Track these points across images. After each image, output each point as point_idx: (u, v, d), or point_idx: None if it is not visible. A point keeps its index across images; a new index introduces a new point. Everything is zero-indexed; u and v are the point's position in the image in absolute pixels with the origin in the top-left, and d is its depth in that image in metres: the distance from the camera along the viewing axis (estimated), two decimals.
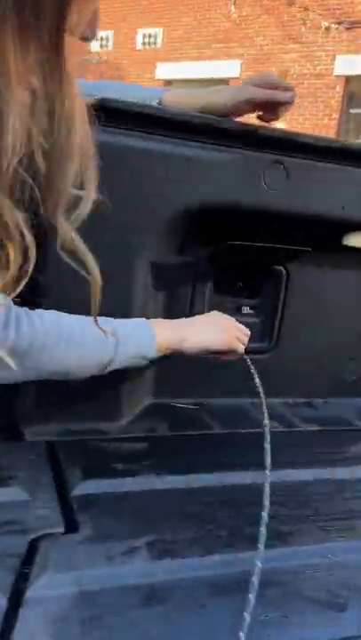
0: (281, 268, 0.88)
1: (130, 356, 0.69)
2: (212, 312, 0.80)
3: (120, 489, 0.60)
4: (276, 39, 9.52)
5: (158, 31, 10.68)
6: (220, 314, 0.80)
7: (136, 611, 0.43)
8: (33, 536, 0.51)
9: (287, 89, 0.75)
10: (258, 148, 0.76)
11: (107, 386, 0.77)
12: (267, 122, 0.78)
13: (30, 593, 0.43)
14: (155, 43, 10.79)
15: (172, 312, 0.82)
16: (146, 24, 10.78)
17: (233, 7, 9.35)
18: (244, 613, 0.40)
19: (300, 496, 0.64)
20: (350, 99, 9.34)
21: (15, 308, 0.60)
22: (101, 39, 11.40)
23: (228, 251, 0.80)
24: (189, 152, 0.72)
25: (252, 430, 0.79)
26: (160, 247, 0.76)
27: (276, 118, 0.77)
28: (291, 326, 0.91)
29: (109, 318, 0.67)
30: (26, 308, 0.62)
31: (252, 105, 0.75)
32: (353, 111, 9.39)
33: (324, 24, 9.02)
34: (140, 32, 10.89)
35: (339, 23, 8.95)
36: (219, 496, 0.61)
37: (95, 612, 0.43)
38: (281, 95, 0.75)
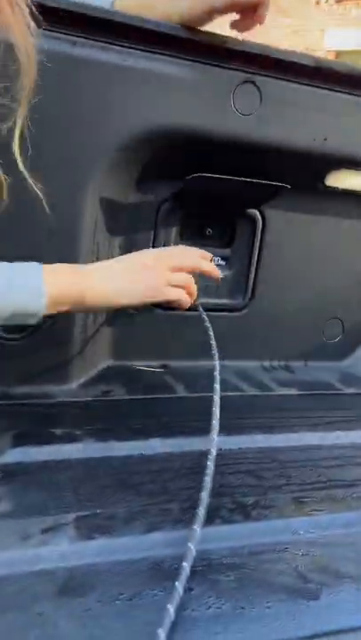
0: (256, 211, 0.78)
1: (8, 313, 0.51)
2: (148, 250, 0.65)
3: (55, 457, 0.50)
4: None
5: None
6: (153, 251, 0.65)
7: (46, 603, 0.33)
8: None
9: None
10: (227, 64, 0.65)
11: (54, 345, 0.67)
12: (242, 31, 0.65)
13: None
14: None
15: (132, 243, 0.72)
16: None
17: None
18: (168, 606, 0.31)
19: (273, 462, 0.55)
20: None
21: None
22: None
23: (195, 188, 0.69)
24: (146, 65, 0.61)
25: (223, 394, 0.69)
26: (113, 181, 0.65)
27: (252, 25, 0.64)
28: (267, 280, 0.81)
29: None
30: None
31: (215, 13, 0.62)
32: None
33: None
34: None
35: None
36: (171, 464, 0.51)
37: None
38: None
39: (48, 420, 0.59)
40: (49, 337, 0.66)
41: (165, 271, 0.61)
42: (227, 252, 0.80)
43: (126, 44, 0.60)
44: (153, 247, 0.74)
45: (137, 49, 0.61)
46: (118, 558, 0.38)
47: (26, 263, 0.53)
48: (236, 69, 0.65)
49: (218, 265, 0.79)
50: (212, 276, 0.65)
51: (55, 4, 0.56)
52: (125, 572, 0.37)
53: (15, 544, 0.38)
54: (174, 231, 0.75)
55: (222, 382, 0.60)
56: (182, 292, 0.62)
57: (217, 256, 0.80)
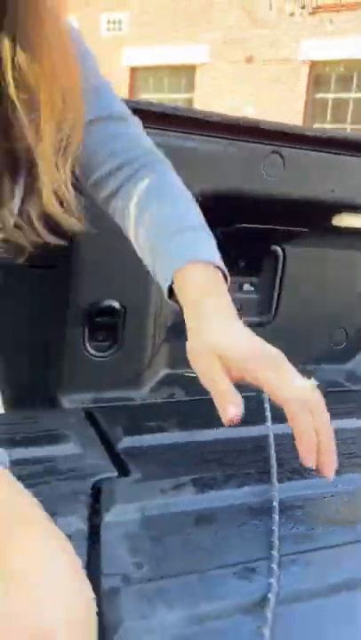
0: (278, 248, 0.98)
1: None
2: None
3: (156, 442, 0.69)
4: (243, 24, 9.57)
5: (123, 16, 10.59)
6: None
7: (190, 529, 0.53)
8: (94, 479, 0.60)
9: None
10: (259, 140, 0.85)
11: (131, 361, 0.86)
12: None
13: (106, 519, 0.52)
14: (120, 28, 10.70)
15: None
16: (110, 9, 10.67)
17: None
18: (273, 528, 0.50)
19: None
20: (316, 83, 9.49)
21: None
22: None
23: (232, 233, 0.89)
24: (198, 145, 0.81)
25: (252, 394, 0.89)
26: None
27: None
28: (287, 301, 1.01)
29: None
30: None
31: None
32: (319, 95, 9.55)
33: (288, 9, 9.11)
34: (104, 17, 10.78)
35: (302, 7, 9.06)
36: (237, 446, 0.71)
37: (158, 532, 0.52)
38: None
39: (139, 416, 0.78)
40: (127, 354, 0.85)
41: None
42: (255, 279, 1.00)
43: (187, 131, 0.80)
44: None
45: (195, 134, 0.81)
46: (225, 504, 0.57)
47: None
48: (266, 144, 0.85)
49: (248, 290, 0.99)
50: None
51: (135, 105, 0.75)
52: (231, 511, 0.56)
53: (158, 495, 0.57)
54: None
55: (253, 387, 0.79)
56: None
57: (247, 283, 1.00)
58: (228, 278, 0.61)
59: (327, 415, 0.55)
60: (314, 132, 0.88)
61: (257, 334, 0.99)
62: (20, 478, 0.48)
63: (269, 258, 0.99)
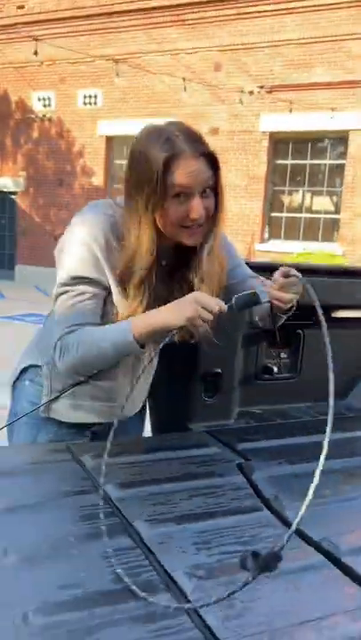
0: (301, 331, 1.62)
1: (116, 342, 1.09)
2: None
3: (253, 445, 1.29)
4: (206, 100, 10.64)
5: (98, 92, 11.55)
6: (190, 295, 1.05)
7: None
8: (237, 461, 1.19)
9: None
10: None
11: (225, 402, 1.47)
12: None
13: None
14: (95, 102, 11.64)
15: (249, 353, 1.53)
16: (85, 85, 11.63)
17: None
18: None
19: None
20: (275, 151, 10.55)
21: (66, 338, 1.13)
22: (44, 99, 12.12)
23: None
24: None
25: (295, 420, 1.51)
26: (248, 327, 1.48)
27: None
28: (308, 363, 1.64)
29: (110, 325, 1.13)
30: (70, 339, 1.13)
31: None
32: (278, 161, 10.60)
33: (248, 88, 10.24)
34: (81, 92, 11.73)
35: (261, 87, 10.20)
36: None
37: None
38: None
39: (241, 435, 1.37)
40: (224, 398, 1.45)
41: (194, 303, 1.02)
42: (287, 350, 1.63)
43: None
44: (257, 350, 1.56)
45: None
46: None
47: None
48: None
49: (284, 357, 1.62)
50: (220, 311, 1.04)
51: None
52: None
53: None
54: (264, 342, 1.58)
55: (294, 415, 1.40)
56: (196, 315, 1.01)
57: (283, 353, 1.63)
58: None
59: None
60: (326, 266, 1.54)
61: (289, 384, 1.61)
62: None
63: (295, 336, 1.63)
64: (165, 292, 1.18)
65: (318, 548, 0.88)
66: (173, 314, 1.06)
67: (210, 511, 0.96)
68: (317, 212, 10.49)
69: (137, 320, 1.11)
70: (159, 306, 1.11)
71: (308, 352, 1.64)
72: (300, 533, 0.91)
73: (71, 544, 0.86)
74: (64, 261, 1.17)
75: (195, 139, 1.10)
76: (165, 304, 1.10)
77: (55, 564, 0.80)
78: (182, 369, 1.43)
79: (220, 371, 1.44)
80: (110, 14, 10.99)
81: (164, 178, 1.07)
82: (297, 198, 10.64)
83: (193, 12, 10.38)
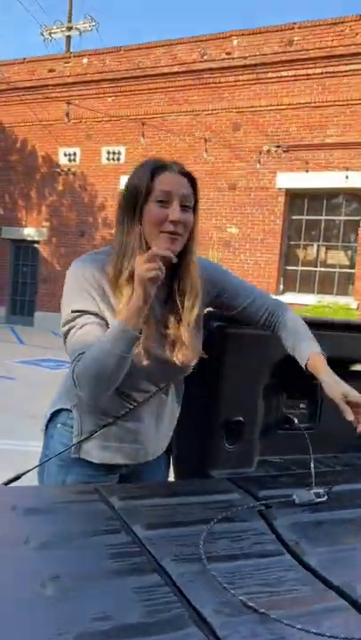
0: (316, 382, 1.68)
1: (114, 338, 1.18)
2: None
3: (283, 493, 1.33)
4: (224, 158, 11.05)
5: (122, 149, 12.06)
6: (136, 261, 1.19)
7: None
8: (258, 508, 1.23)
9: None
10: (311, 328, 1.57)
11: (247, 451, 1.52)
12: None
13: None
14: (118, 159, 12.13)
15: (269, 403, 1.59)
16: (109, 143, 12.17)
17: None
18: None
19: None
20: (291, 207, 10.83)
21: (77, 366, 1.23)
22: (70, 154, 12.68)
23: (294, 376, 1.59)
24: None
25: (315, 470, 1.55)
26: (268, 377, 1.54)
27: None
28: (326, 415, 1.69)
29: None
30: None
31: None
32: (294, 217, 10.86)
33: (265, 147, 10.65)
34: (105, 149, 12.26)
35: (278, 146, 10.60)
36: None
37: None
38: None
39: (265, 481, 1.41)
40: (245, 446, 1.50)
41: (140, 265, 1.16)
42: (305, 401, 1.69)
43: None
44: (278, 400, 1.61)
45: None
46: None
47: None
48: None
49: (303, 408, 1.67)
50: (164, 255, 1.19)
51: None
52: None
53: None
54: (284, 394, 1.64)
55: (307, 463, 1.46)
56: (146, 273, 1.15)
57: (302, 404, 1.68)
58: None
59: None
60: (341, 320, 1.61)
61: (310, 435, 1.65)
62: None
63: (313, 387, 1.68)
64: (161, 308, 1.34)
65: (339, 592, 0.91)
66: (137, 289, 1.19)
67: (233, 554, 1.00)
68: (332, 265, 10.64)
69: (120, 314, 1.24)
70: (157, 321, 1.32)
71: (326, 403, 1.69)
72: (321, 578, 0.95)
73: (103, 579, 0.91)
74: (64, 301, 1.30)
75: (179, 164, 1.32)
76: (162, 319, 1.32)
77: (89, 598, 0.85)
78: (204, 416, 1.49)
79: (242, 419, 1.49)
80: (136, 78, 11.62)
81: (150, 184, 1.26)
82: (312, 252, 10.83)
83: (213, 77, 10.95)
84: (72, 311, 1.27)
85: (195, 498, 1.27)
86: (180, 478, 1.51)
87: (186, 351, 1.31)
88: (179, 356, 1.30)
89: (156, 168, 1.27)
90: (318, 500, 1.24)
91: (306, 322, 1.46)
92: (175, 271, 1.33)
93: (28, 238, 13.19)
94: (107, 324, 1.27)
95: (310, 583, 0.95)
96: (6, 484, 1.28)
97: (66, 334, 1.28)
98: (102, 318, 1.28)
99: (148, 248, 1.25)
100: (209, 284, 1.40)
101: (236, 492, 1.32)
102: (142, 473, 1.42)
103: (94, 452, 1.36)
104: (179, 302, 1.33)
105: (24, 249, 13.36)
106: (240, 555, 1.00)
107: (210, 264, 1.46)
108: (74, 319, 1.27)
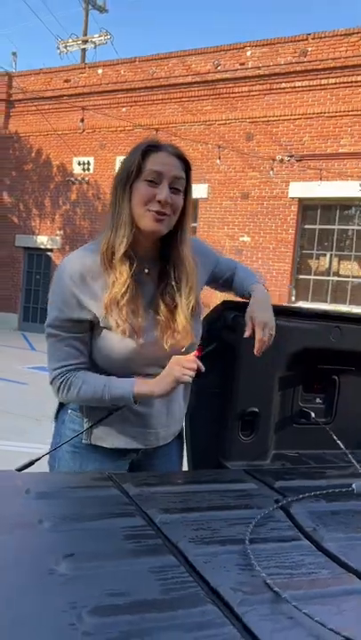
0: (336, 377, 1.66)
1: (115, 397, 1.26)
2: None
3: (298, 484, 1.30)
4: (237, 167, 11.08)
5: None
6: (173, 360, 1.25)
7: None
8: (275, 497, 1.21)
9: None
10: (327, 321, 1.55)
11: (263, 443, 1.50)
12: None
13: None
14: None
15: (285, 396, 1.56)
16: (123, 152, 12.25)
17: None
18: None
19: None
20: (304, 216, 10.81)
21: (67, 376, 1.29)
22: (84, 163, 12.78)
23: (314, 370, 1.57)
24: (295, 324, 1.51)
25: (331, 465, 1.52)
26: (284, 369, 1.52)
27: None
28: (342, 408, 1.66)
29: (119, 380, 1.28)
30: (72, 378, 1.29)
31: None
32: (306, 226, 10.84)
33: (278, 157, 10.66)
34: (119, 158, 12.34)
35: (291, 156, 10.61)
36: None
37: None
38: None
39: (280, 473, 1.39)
40: (261, 438, 1.48)
41: (176, 365, 1.23)
42: (323, 396, 1.66)
43: (294, 318, 1.50)
44: (294, 394, 1.59)
45: (297, 319, 1.50)
46: None
47: (132, 379, 1.29)
48: (332, 322, 1.55)
49: (319, 402, 1.65)
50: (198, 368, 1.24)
51: None
52: None
53: None
54: (301, 387, 1.61)
55: (326, 455, 1.42)
56: (181, 375, 1.22)
57: (319, 399, 1.65)
58: (265, 283, 1.47)
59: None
60: (355, 314, 1.59)
61: (322, 429, 1.62)
62: None
63: (331, 382, 1.66)
64: (153, 293, 1.33)
65: (359, 575, 0.89)
66: (166, 380, 1.25)
67: (251, 537, 0.98)
68: (345, 275, 10.59)
69: (140, 387, 1.27)
70: (148, 304, 1.31)
71: (342, 398, 1.67)
72: (342, 564, 0.93)
73: (117, 559, 0.89)
74: (49, 304, 1.32)
75: (174, 147, 1.31)
76: (153, 303, 1.31)
77: (102, 576, 0.83)
78: (220, 407, 1.47)
79: (257, 410, 1.47)
80: (150, 88, 11.73)
81: (141, 163, 1.25)
82: (325, 262, 10.79)
83: (227, 87, 11.02)
84: (58, 320, 1.29)
85: (209, 486, 1.25)
86: (194, 469, 1.49)
87: (178, 336, 1.31)
88: (169, 341, 1.30)
89: (148, 147, 1.27)
90: None
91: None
92: (167, 251, 1.33)
93: (42, 246, 13.29)
94: (90, 325, 1.30)
95: (329, 567, 0.93)
96: (20, 469, 1.26)
97: (49, 336, 1.32)
98: (89, 321, 1.29)
99: (136, 227, 1.27)
100: (204, 260, 1.44)
101: (252, 482, 1.30)
102: (154, 459, 1.41)
103: (105, 437, 1.36)
104: (175, 287, 1.32)
105: (37, 257, 13.45)
106: (257, 539, 0.98)
107: (196, 241, 1.46)
108: (60, 328, 1.30)
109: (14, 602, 0.75)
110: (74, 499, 1.13)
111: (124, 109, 12.02)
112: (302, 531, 1.05)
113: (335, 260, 10.72)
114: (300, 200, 10.61)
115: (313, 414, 1.60)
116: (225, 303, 1.48)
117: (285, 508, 1.15)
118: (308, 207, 10.75)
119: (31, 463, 1.28)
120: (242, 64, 10.86)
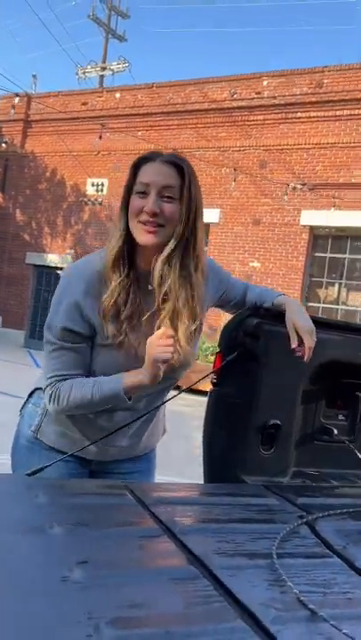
0: (359, 393, 1.59)
1: (105, 396, 1.23)
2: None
3: (322, 502, 1.23)
4: (250, 194, 11.15)
5: None
6: (149, 341, 1.21)
7: None
8: (298, 513, 1.13)
9: None
10: (356, 334, 1.49)
11: (283, 459, 1.42)
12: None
13: None
14: None
15: (309, 408, 1.49)
16: None
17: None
18: None
19: None
20: (314, 244, 10.82)
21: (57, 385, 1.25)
22: (97, 185, 12.91)
23: (337, 385, 1.51)
24: (325, 335, 1.45)
25: (352, 484, 1.45)
26: (308, 382, 1.46)
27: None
28: None
29: (104, 378, 1.26)
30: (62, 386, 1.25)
31: None
32: (317, 254, 10.83)
33: (291, 184, 10.72)
34: None
35: (303, 184, 10.67)
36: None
37: None
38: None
39: (302, 490, 1.31)
40: (281, 453, 1.41)
41: (156, 347, 1.19)
42: (346, 411, 1.59)
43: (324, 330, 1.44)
44: (317, 407, 1.52)
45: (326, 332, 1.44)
46: None
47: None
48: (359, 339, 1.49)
49: (342, 419, 1.58)
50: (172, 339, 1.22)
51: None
52: None
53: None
54: (323, 403, 1.55)
55: (348, 475, 1.35)
56: (158, 350, 1.18)
57: (342, 415, 1.58)
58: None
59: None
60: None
61: (344, 447, 1.55)
62: None
63: (354, 399, 1.59)
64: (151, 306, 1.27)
65: None
66: (150, 364, 1.21)
67: (278, 552, 0.90)
68: (353, 305, 10.53)
69: (128, 379, 1.24)
70: (151, 318, 1.26)
71: None
72: None
73: (134, 567, 0.82)
74: (52, 312, 1.28)
75: (172, 154, 1.28)
76: (155, 319, 1.26)
77: (122, 585, 0.76)
78: (240, 418, 1.40)
79: (279, 422, 1.40)
80: (167, 113, 11.90)
81: (133, 177, 1.24)
82: (333, 291, 10.75)
83: (242, 115, 11.16)
84: (59, 329, 1.26)
85: (229, 499, 1.18)
86: (210, 482, 1.42)
87: (176, 356, 1.26)
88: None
89: (139, 160, 1.26)
90: None
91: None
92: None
93: (52, 264, 13.34)
94: (89, 336, 1.27)
95: None
96: (30, 474, 1.20)
97: (48, 343, 1.29)
98: (89, 334, 1.27)
99: (131, 242, 1.25)
100: (214, 277, 1.41)
101: (273, 497, 1.22)
102: (116, 471, 1.40)
103: (50, 435, 1.35)
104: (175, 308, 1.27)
105: (47, 275, 13.49)
106: (285, 554, 0.91)
107: (211, 262, 1.45)
108: (60, 338, 1.27)
109: (25, 611, 0.68)
110: (87, 506, 1.06)
111: (139, 133, 12.18)
112: (332, 549, 0.98)
113: (344, 290, 10.68)
114: (312, 228, 10.63)
115: (336, 431, 1.53)
116: (246, 311, 1.43)
117: (311, 524, 1.07)
118: (319, 236, 10.76)
119: (42, 469, 1.21)
120: (258, 93, 11.02)
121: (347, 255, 10.57)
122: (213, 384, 1.41)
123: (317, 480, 1.47)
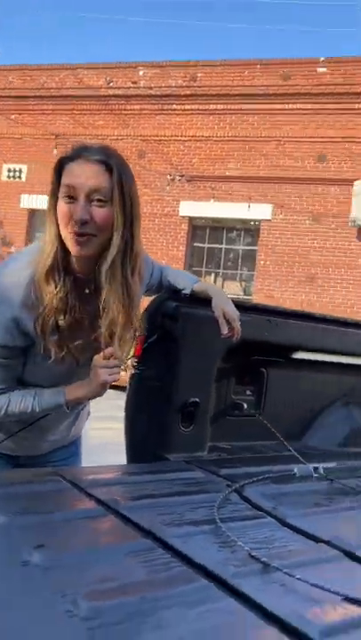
0: (264, 369, 1.70)
1: (46, 408, 1.20)
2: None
3: (243, 471, 1.31)
4: None
5: (23, 167, 11.77)
6: (96, 363, 1.15)
7: None
8: (225, 483, 1.21)
9: None
10: (260, 314, 1.60)
11: (200, 435, 1.49)
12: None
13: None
14: (19, 177, 11.82)
15: (222, 385, 1.57)
16: (13, 161, 11.83)
17: None
18: None
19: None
20: (193, 235, 11.15)
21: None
22: None
23: (243, 361, 1.61)
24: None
25: (264, 455, 1.56)
26: (221, 361, 1.54)
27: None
28: (270, 400, 1.71)
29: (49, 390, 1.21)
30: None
31: None
32: (196, 244, 11.18)
33: (169, 176, 10.92)
34: (5, 167, 11.89)
35: (181, 175, 10.92)
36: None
37: None
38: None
39: (222, 463, 1.38)
40: (199, 429, 1.47)
41: (102, 371, 1.15)
42: (251, 387, 1.70)
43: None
44: (228, 383, 1.61)
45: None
46: None
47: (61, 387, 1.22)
48: (265, 315, 1.60)
49: (249, 394, 1.68)
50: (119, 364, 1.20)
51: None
52: None
53: None
54: (233, 378, 1.64)
55: (257, 447, 1.46)
56: (108, 379, 1.15)
57: (249, 390, 1.69)
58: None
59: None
60: (277, 307, 1.66)
61: (253, 421, 1.66)
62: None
63: (259, 374, 1.71)
64: (94, 314, 1.18)
65: (331, 545, 0.92)
66: (96, 383, 1.18)
67: (218, 517, 0.96)
68: (230, 294, 11.05)
69: (71, 395, 1.21)
70: (90, 325, 1.18)
71: (270, 390, 1.72)
72: (311, 536, 0.95)
73: (90, 547, 0.83)
74: None
75: (98, 149, 1.13)
76: (95, 325, 1.17)
77: (84, 564, 0.77)
78: (161, 398, 1.45)
79: (198, 400, 1.47)
80: (41, 97, 11.48)
81: (57, 178, 1.11)
82: (211, 280, 11.17)
83: (119, 104, 11.11)
84: None
85: (157, 476, 1.22)
86: (132, 462, 1.44)
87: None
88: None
89: (63, 159, 1.12)
90: (316, 474, 1.27)
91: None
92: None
93: None
94: (27, 346, 1.19)
95: (300, 540, 0.94)
96: None
97: None
98: (24, 346, 1.18)
99: (65, 249, 1.13)
100: (147, 275, 1.38)
101: (198, 471, 1.29)
102: (45, 462, 1.39)
103: None
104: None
105: None
106: (224, 519, 0.97)
107: (148, 265, 1.39)
108: None
109: None
110: (24, 494, 1.03)
111: (13, 116, 11.62)
112: (263, 510, 1.06)
113: (220, 279, 11.15)
114: (191, 219, 10.93)
115: (245, 406, 1.63)
116: (164, 295, 1.47)
117: (239, 491, 1.15)
118: (197, 226, 11.10)
119: None
120: (134, 82, 11.03)
121: (223, 245, 11.03)
122: (135, 367, 1.43)
123: (231, 453, 1.56)
